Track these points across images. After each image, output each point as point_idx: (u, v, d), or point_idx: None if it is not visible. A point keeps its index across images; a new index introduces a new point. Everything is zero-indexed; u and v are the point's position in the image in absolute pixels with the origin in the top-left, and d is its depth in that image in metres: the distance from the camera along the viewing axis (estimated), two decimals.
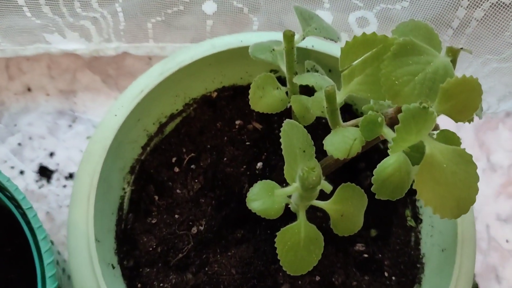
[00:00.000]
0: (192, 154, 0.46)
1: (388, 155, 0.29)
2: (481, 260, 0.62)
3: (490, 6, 0.45)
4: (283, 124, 0.32)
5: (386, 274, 0.43)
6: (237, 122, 0.47)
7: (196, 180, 0.45)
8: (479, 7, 0.45)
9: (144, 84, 0.40)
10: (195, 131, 0.46)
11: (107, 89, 0.65)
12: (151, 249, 0.42)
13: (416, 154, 0.29)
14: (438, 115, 0.30)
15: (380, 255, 0.43)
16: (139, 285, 0.40)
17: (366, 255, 0.44)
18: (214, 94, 0.47)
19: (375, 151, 0.47)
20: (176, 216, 0.44)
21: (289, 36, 0.33)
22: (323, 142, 0.32)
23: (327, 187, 0.30)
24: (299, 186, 0.30)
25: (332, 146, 0.31)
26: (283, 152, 0.32)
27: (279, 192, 0.30)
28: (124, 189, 0.43)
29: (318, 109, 0.32)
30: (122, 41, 0.53)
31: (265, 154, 0.46)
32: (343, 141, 0.31)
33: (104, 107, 0.64)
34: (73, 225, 0.37)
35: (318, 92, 0.33)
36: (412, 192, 0.43)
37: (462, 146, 0.63)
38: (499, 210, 0.65)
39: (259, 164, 0.45)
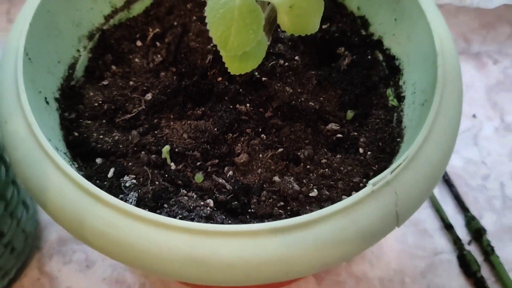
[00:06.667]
0: (157, 30, 0.43)
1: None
2: (495, 220, 0.54)
3: None
4: None
5: (361, 150, 0.37)
6: None
7: (159, 55, 0.42)
8: None
9: None
10: (163, 11, 0.44)
11: None
12: (96, 104, 0.38)
13: None
14: None
15: (355, 134, 0.38)
16: (76, 134, 0.36)
17: (339, 135, 0.38)
18: None
19: (355, 33, 0.43)
20: (131, 82, 0.40)
21: None
22: None
23: None
24: None
25: None
26: None
27: None
28: (79, 51, 0.41)
29: None
30: None
31: None
32: None
33: None
34: (7, 44, 0.34)
35: None
36: (396, 71, 0.39)
37: (472, 106, 0.58)
38: None
39: None
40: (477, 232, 0.52)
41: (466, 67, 0.65)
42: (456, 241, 0.52)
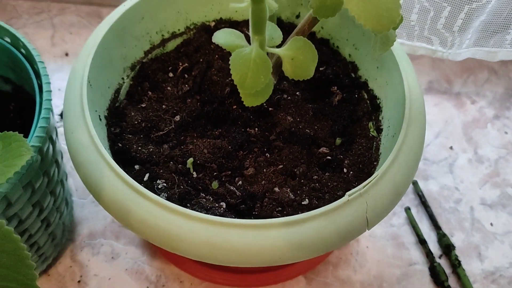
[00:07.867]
0: (186, 65, 0.53)
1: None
2: (463, 238, 0.63)
3: None
4: None
5: (345, 170, 0.46)
6: None
7: (186, 85, 0.52)
8: None
9: None
10: (191, 49, 0.54)
11: None
12: (136, 122, 0.47)
13: None
14: None
15: (341, 157, 0.47)
16: (120, 145, 0.46)
17: (329, 157, 0.47)
18: (212, 24, 0.55)
19: (346, 75, 0.53)
20: (164, 106, 0.50)
21: None
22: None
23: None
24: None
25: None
26: None
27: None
28: (123, 79, 0.50)
29: None
30: None
31: None
32: None
33: None
34: (73, 72, 0.44)
35: None
36: (377, 108, 0.49)
37: (449, 139, 0.70)
38: (485, 196, 0.66)
39: None
40: (447, 248, 0.61)
41: (447, 105, 0.74)
42: (429, 254, 0.61)
